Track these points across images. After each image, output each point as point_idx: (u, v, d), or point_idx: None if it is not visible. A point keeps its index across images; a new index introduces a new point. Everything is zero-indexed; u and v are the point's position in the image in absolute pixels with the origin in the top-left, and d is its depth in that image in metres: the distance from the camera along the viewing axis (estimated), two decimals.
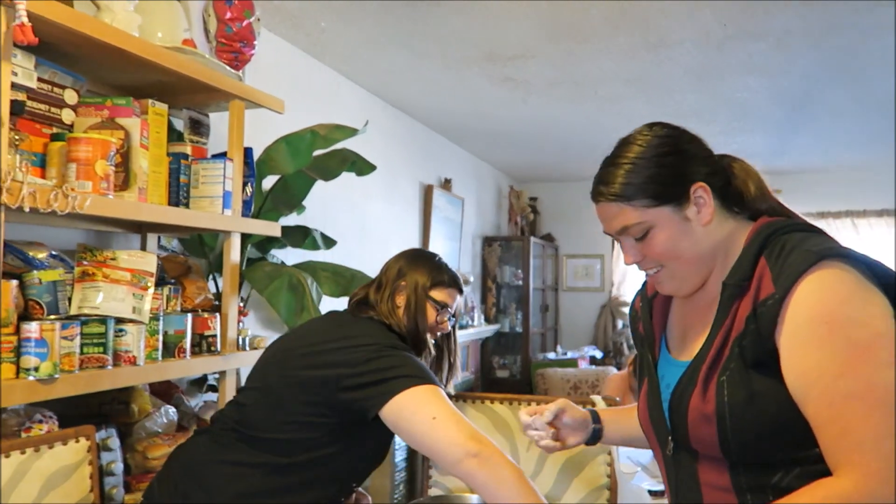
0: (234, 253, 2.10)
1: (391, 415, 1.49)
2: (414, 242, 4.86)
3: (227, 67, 2.07)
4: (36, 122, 1.58)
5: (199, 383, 2.52)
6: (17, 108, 1.50)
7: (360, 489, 1.82)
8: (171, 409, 2.06)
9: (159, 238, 2.26)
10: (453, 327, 1.84)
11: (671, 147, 1.17)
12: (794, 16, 2.97)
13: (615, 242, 5.75)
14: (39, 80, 1.56)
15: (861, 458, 0.96)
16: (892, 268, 1.07)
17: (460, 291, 1.80)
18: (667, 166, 1.15)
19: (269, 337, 2.26)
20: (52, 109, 1.62)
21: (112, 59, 1.72)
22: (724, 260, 1.17)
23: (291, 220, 2.99)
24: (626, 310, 6.97)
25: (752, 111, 4.47)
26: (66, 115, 1.66)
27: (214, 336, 2.03)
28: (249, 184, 2.19)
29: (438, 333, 1.80)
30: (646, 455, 2.76)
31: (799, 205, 1.22)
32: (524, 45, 3.35)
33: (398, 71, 3.76)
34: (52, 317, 1.56)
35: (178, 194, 1.92)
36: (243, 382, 1.77)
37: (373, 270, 1.98)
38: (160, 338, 1.84)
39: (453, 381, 1.89)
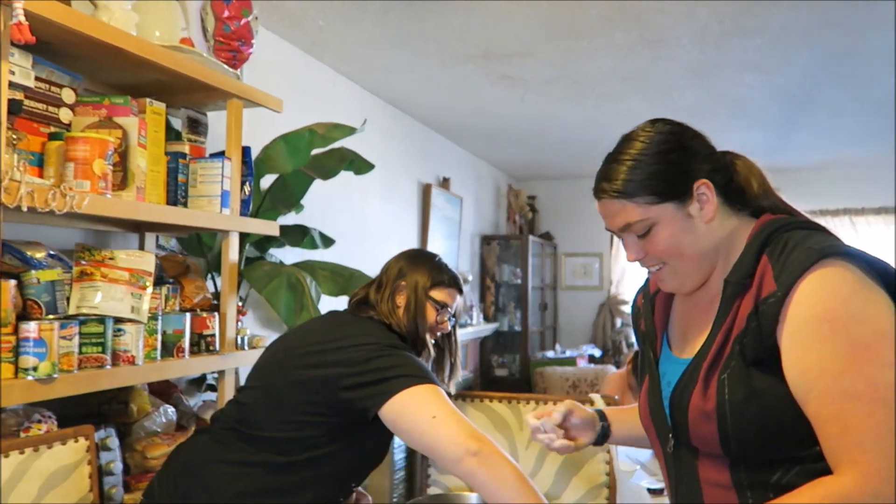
0: (232, 252, 2.10)
1: (390, 414, 1.49)
2: (412, 241, 4.86)
3: (225, 66, 2.07)
4: (33, 122, 1.58)
5: (198, 383, 2.52)
6: (14, 108, 1.50)
7: (360, 489, 1.82)
8: (170, 409, 2.06)
9: (157, 237, 2.26)
10: (453, 327, 1.84)
11: (674, 143, 1.16)
12: (791, 12, 2.97)
13: (614, 241, 5.78)
14: (37, 79, 1.56)
15: (862, 456, 0.96)
16: (894, 265, 1.07)
17: (460, 292, 1.80)
18: (670, 163, 1.15)
19: (268, 336, 2.26)
20: (50, 108, 1.62)
21: (110, 58, 1.72)
22: (726, 257, 1.17)
23: (290, 219, 2.98)
24: (625, 308, 6.99)
25: (750, 108, 4.47)
26: (64, 115, 1.65)
27: (213, 335, 2.03)
28: (248, 183, 2.19)
29: (438, 333, 1.80)
30: (645, 453, 2.76)
31: (797, 202, 1.22)
32: (522, 43, 3.35)
33: (396, 69, 3.76)
34: (51, 316, 1.56)
35: (176, 193, 1.91)
36: (242, 382, 1.77)
37: (371, 269, 1.98)
38: (159, 337, 1.84)
39: (455, 380, 1.89)
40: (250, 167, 2.21)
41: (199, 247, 2.47)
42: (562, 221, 7.37)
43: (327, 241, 3.00)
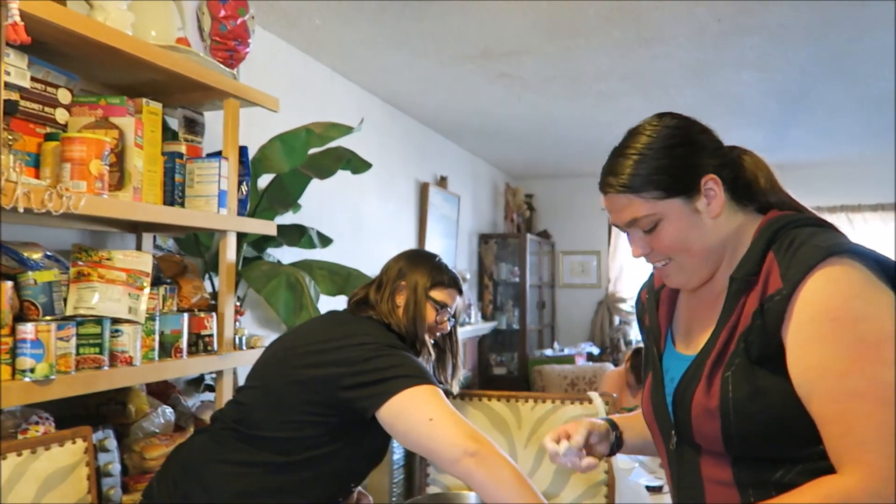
0: (229, 252, 2.10)
1: (389, 416, 1.49)
2: (410, 240, 4.86)
3: (222, 66, 2.06)
4: (29, 122, 1.57)
5: (197, 383, 2.52)
6: (10, 108, 1.49)
7: (360, 489, 1.82)
8: (169, 410, 2.06)
9: (155, 238, 2.25)
10: (454, 327, 1.84)
11: (681, 138, 1.15)
12: (789, 11, 2.97)
13: (611, 239, 5.75)
14: (33, 79, 1.55)
15: (865, 456, 0.95)
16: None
17: (460, 292, 1.80)
18: (677, 157, 1.13)
19: (266, 336, 2.26)
20: (46, 109, 1.61)
21: (106, 58, 1.71)
22: (732, 253, 1.16)
23: (287, 218, 2.98)
24: (623, 306, 6.99)
25: (748, 106, 4.47)
26: (60, 115, 1.65)
27: (211, 336, 2.03)
28: (245, 182, 2.19)
29: (438, 333, 1.80)
30: None
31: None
32: (519, 41, 3.35)
33: (393, 68, 3.76)
34: (48, 318, 1.55)
35: (173, 193, 1.91)
36: (241, 382, 1.77)
37: (369, 268, 1.98)
38: (156, 338, 1.84)
39: (457, 380, 1.89)
40: (247, 167, 2.21)
41: (196, 247, 2.47)
42: (559, 219, 7.38)
43: (325, 241, 3.00)
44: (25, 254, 1.63)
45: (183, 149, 1.98)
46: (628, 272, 7.01)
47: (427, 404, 1.48)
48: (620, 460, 2.39)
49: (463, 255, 5.99)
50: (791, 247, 1.06)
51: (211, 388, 2.49)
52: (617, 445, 1.43)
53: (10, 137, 1.48)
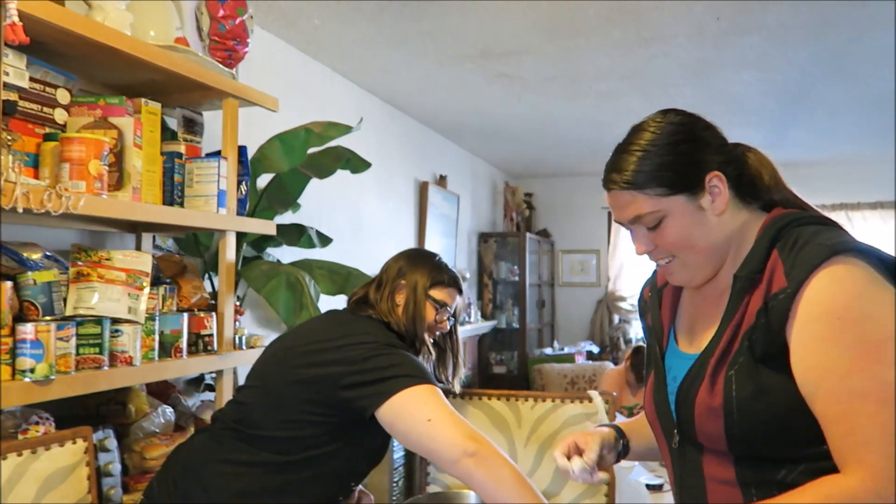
0: (229, 252, 2.10)
1: (388, 416, 1.49)
2: (409, 239, 4.86)
3: (221, 66, 2.06)
4: (28, 122, 1.57)
5: (197, 383, 2.52)
6: (9, 108, 1.49)
7: (362, 488, 1.82)
8: (169, 409, 2.06)
9: (154, 237, 2.26)
10: (454, 326, 1.84)
11: (685, 134, 1.14)
12: (788, 10, 2.97)
13: (611, 237, 5.73)
14: (31, 79, 1.55)
15: (868, 456, 0.95)
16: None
17: (460, 291, 1.80)
18: (681, 154, 1.12)
19: (266, 336, 2.26)
20: (45, 109, 1.61)
21: (104, 58, 1.71)
22: (736, 250, 1.15)
23: (287, 218, 2.98)
24: (623, 304, 7.00)
25: (747, 105, 4.47)
26: (59, 115, 1.65)
27: (211, 335, 2.03)
28: (244, 182, 2.19)
29: (438, 333, 1.80)
30: None
31: None
32: (519, 41, 3.35)
33: (392, 68, 3.75)
34: (48, 318, 1.55)
35: (172, 193, 1.91)
36: (241, 381, 1.77)
37: (369, 268, 1.98)
38: (156, 338, 1.84)
39: (459, 379, 1.89)
40: (246, 166, 2.21)
41: (195, 247, 2.47)
42: (559, 218, 7.38)
43: (324, 240, 3.00)
44: (25, 254, 1.63)
45: (182, 149, 1.98)
46: (628, 271, 7.01)
47: (426, 404, 1.48)
48: None
49: (462, 255, 5.99)
50: (795, 245, 1.06)
51: (211, 388, 2.49)
52: (623, 452, 1.41)
53: (8, 138, 1.48)
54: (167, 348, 1.89)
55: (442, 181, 5.36)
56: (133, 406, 1.97)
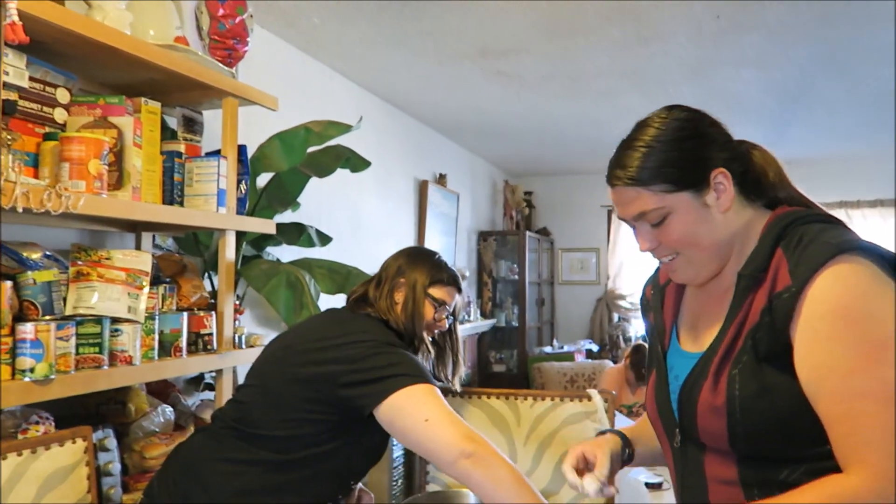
0: (229, 251, 2.10)
1: (386, 415, 1.50)
2: (409, 238, 4.86)
3: (221, 65, 2.06)
4: (28, 122, 1.57)
5: (196, 382, 2.52)
6: (8, 108, 1.49)
7: (362, 487, 1.82)
8: (168, 409, 2.06)
9: (154, 237, 2.26)
10: (453, 325, 1.85)
11: (691, 130, 1.13)
12: (787, 8, 2.97)
13: (610, 236, 5.72)
14: (31, 79, 1.55)
15: (871, 456, 0.94)
16: None
17: (459, 290, 1.80)
18: (686, 150, 1.11)
19: (266, 335, 2.26)
20: (45, 109, 1.61)
21: (104, 57, 1.71)
22: (740, 248, 1.14)
23: (286, 217, 2.98)
24: (622, 303, 7.00)
25: (746, 103, 4.47)
26: (59, 115, 1.65)
27: (210, 334, 2.03)
28: (244, 181, 2.19)
29: (437, 331, 1.80)
30: None
31: None
32: (518, 40, 3.34)
33: (392, 67, 3.75)
34: (48, 317, 1.55)
35: (172, 193, 1.91)
36: (240, 380, 1.77)
37: (368, 267, 1.98)
38: (156, 337, 1.84)
39: (459, 377, 1.89)
40: (246, 166, 2.21)
41: (195, 246, 2.47)
42: (558, 217, 7.38)
43: (324, 239, 3.00)
44: (25, 253, 1.63)
45: (182, 148, 1.98)
46: (627, 269, 7.02)
47: (424, 404, 1.48)
48: None
49: (462, 253, 5.99)
50: (800, 243, 1.05)
51: (211, 387, 2.49)
52: (628, 460, 1.39)
53: (8, 137, 1.48)
54: (167, 347, 1.89)
55: (441, 180, 5.36)
56: (133, 405, 1.97)
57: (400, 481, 3.99)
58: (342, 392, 1.53)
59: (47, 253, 1.70)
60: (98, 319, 1.65)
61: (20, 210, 1.39)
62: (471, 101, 4.44)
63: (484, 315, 6.28)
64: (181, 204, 1.95)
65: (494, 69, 3.79)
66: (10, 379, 1.45)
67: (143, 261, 1.78)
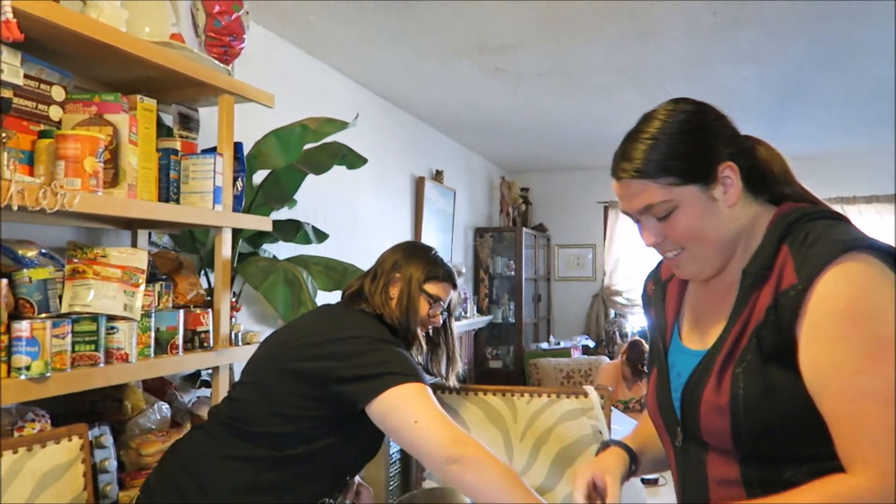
0: (225, 248, 2.10)
1: (377, 412, 1.50)
2: (406, 235, 4.86)
3: (216, 62, 2.05)
4: (23, 120, 1.57)
5: (193, 379, 2.52)
6: (3, 106, 1.49)
7: (361, 482, 1.83)
8: (165, 406, 2.06)
9: (150, 234, 2.25)
10: (447, 320, 1.85)
11: (697, 123, 1.12)
12: (784, 4, 2.97)
13: (607, 232, 5.71)
14: (26, 76, 1.55)
15: (876, 456, 0.93)
16: None
17: (454, 286, 1.81)
18: (692, 143, 1.10)
19: (262, 332, 2.26)
20: (40, 106, 1.61)
21: (99, 54, 1.70)
22: (746, 244, 1.13)
23: (283, 214, 2.98)
24: (619, 299, 7.01)
25: (743, 99, 4.47)
26: (54, 112, 1.64)
27: (207, 332, 2.03)
28: (240, 178, 2.18)
29: (431, 327, 1.80)
30: None
31: None
32: (514, 36, 3.34)
33: (388, 63, 3.75)
34: (43, 315, 1.55)
35: (168, 190, 1.91)
36: (237, 377, 1.77)
37: (365, 263, 1.98)
38: (152, 334, 1.84)
39: (455, 373, 1.89)
40: (242, 163, 2.20)
41: (191, 243, 2.46)
42: (555, 213, 7.38)
43: (321, 236, 2.99)
44: (20, 251, 1.63)
45: (178, 145, 1.98)
46: (624, 265, 7.03)
47: (414, 403, 1.48)
48: None
49: (459, 249, 5.99)
50: (806, 240, 1.04)
51: (207, 384, 2.49)
52: (632, 474, 1.36)
53: (3, 135, 1.47)
54: (163, 345, 1.89)
55: (438, 176, 5.35)
56: (129, 403, 1.97)
57: (397, 477, 4.00)
58: (335, 388, 1.53)
59: (43, 251, 1.70)
60: (94, 317, 1.64)
61: (15, 208, 1.39)
62: (468, 97, 4.44)
63: (480, 311, 6.28)
64: (177, 201, 1.94)
65: (491, 65, 3.79)
66: (5, 377, 1.45)
67: (139, 258, 1.77)
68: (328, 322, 1.69)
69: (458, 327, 5.22)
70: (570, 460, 2.07)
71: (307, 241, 2.91)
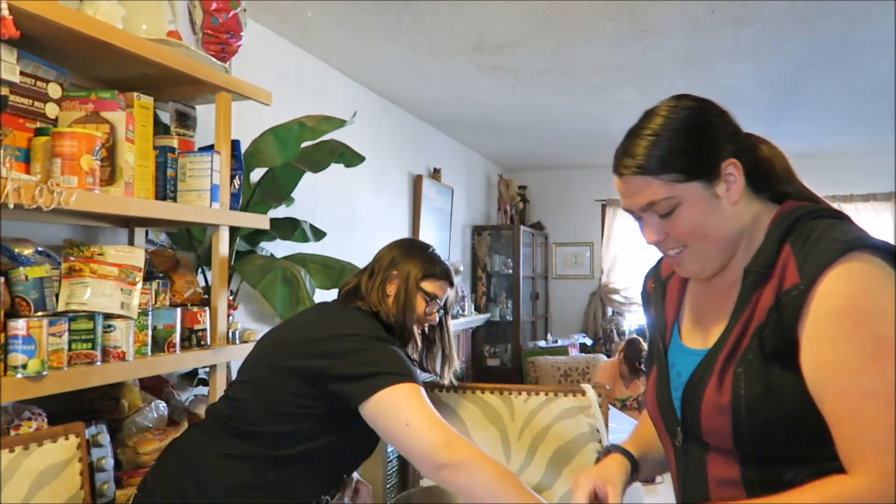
0: (222, 246, 2.09)
1: (370, 412, 1.50)
2: (404, 233, 4.85)
3: (214, 59, 2.05)
4: (19, 117, 1.56)
5: (190, 377, 2.52)
6: (0, 103, 1.48)
7: (360, 479, 1.83)
8: (162, 404, 2.06)
9: (147, 232, 2.25)
10: (443, 318, 1.84)
11: (699, 119, 1.11)
12: (783, 2, 2.97)
13: (605, 230, 5.71)
14: (22, 73, 1.54)
15: (877, 457, 0.93)
16: None
17: (451, 284, 1.80)
18: (694, 140, 1.09)
19: (259, 330, 2.26)
20: (36, 104, 1.60)
21: (96, 52, 1.70)
22: (748, 242, 1.13)
23: (280, 212, 2.97)
24: (616, 297, 7.01)
25: (741, 97, 4.47)
26: (50, 110, 1.64)
27: (204, 330, 2.02)
28: (237, 176, 2.18)
29: (427, 325, 1.80)
30: None
31: None
32: (512, 34, 3.34)
33: (386, 61, 3.74)
34: (40, 313, 1.55)
35: (165, 188, 1.90)
36: (234, 376, 1.77)
37: (363, 262, 1.97)
38: (149, 333, 1.83)
39: (451, 371, 1.89)
40: (240, 161, 2.20)
41: (189, 241, 2.46)
42: (553, 211, 7.38)
43: (318, 234, 2.99)
44: (16, 249, 1.62)
45: (175, 143, 1.97)
46: (621, 263, 7.03)
47: (407, 404, 1.48)
48: None
49: (456, 248, 5.99)
50: (808, 240, 1.03)
51: (204, 383, 2.49)
52: (632, 480, 1.36)
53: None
54: (160, 343, 1.88)
55: (436, 174, 5.35)
56: (126, 401, 1.97)
57: (394, 475, 4.00)
58: (330, 386, 1.53)
59: (39, 249, 1.69)
60: (91, 315, 1.64)
61: (11, 206, 1.38)
62: (465, 95, 4.44)
63: (478, 309, 6.28)
64: (174, 199, 1.94)
65: (489, 63, 3.78)
66: (2, 375, 1.44)
67: (136, 256, 1.77)
68: (324, 320, 1.69)
69: (455, 325, 5.25)
70: (567, 458, 2.07)
71: (305, 239, 2.91)
